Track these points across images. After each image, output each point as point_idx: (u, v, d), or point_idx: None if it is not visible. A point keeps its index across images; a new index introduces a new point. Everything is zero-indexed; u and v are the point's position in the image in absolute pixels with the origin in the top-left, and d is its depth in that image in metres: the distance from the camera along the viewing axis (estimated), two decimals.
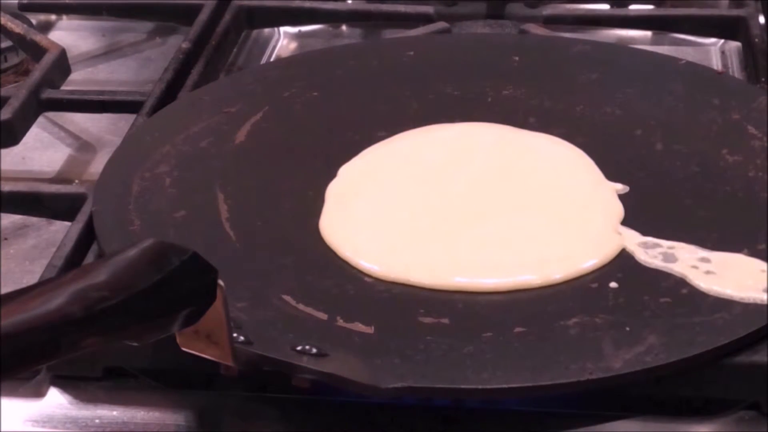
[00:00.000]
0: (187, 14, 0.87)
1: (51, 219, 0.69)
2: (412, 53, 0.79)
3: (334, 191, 0.65)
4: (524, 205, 0.63)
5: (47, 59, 0.80)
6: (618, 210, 0.62)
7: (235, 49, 0.89)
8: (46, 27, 0.96)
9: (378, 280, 0.58)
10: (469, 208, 0.63)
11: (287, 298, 0.56)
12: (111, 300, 0.41)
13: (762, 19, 0.83)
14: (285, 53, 0.92)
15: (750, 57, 0.80)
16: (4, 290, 0.41)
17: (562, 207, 0.62)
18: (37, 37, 0.84)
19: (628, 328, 0.53)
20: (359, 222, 0.62)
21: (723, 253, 0.57)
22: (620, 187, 0.64)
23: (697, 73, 0.73)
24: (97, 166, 0.74)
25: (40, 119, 0.78)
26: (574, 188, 0.64)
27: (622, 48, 0.84)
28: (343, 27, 0.95)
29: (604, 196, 0.63)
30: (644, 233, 0.60)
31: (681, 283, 0.56)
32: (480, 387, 0.50)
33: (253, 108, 0.73)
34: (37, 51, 0.83)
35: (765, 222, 0.59)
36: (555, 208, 0.62)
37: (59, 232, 0.65)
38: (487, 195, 0.64)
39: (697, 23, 0.85)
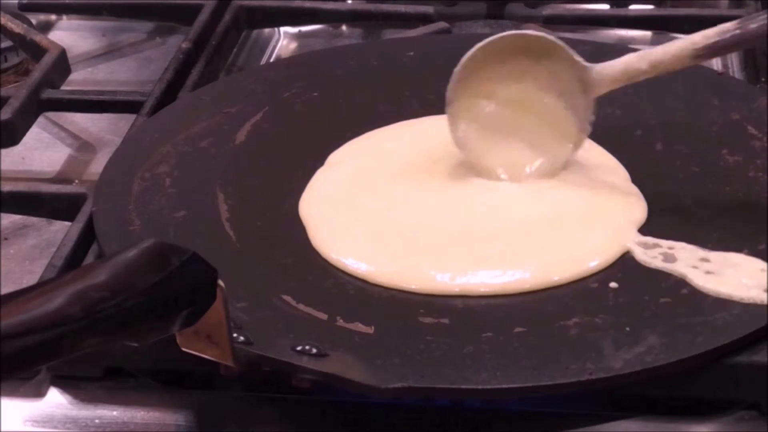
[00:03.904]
0: (187, 14, 0.87)
1: (51, 219, 0.69)
2: (412, 53, 0.79)
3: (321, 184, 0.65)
4: (528, 202, 0.63)
5: (47, 59, 0.80)
6: (635, 215, 0.61)
7: (235, 49, 0.89)
8: (46, 27, 0.96)
9: None
10: (467, 205, 0.63)
11: (287, 298, 0.56)
12: (111, 300, 0.41)
13: None
14: (285, 53, 0.92)
15: (750, 57, 0.80)
16: (4, 290, 0.41)
17: (570, 206, 0.62)
18: (37, 37, 0.84)
19: (628, 328, 0.53)
20: (352, 227, 0.62)
21: (723, 253, 0.57)
22: None
23: (697, 73, 0.73)
24: (97, 166, 0.74)
25: (40, 119, 0.78)
26: (585, 186, 0.64)
27: (622, 48, 0.84)
28: (343, 27, 0.95)
29: (619, 199, 0.62)
30: (644, 233, 0.60)
31: (681, 283, 0.56)
32: (480, 387, 0.50)
33: (253, 108, 0.73)
34: (37, 51, 0.83)
35: (765, 222, 0.59)
36: (562, 205, 0.62)
37: (59, 232, 0.65)
38: (487, 190, 0.64)
39: (697, 23, 0.85)
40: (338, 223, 0.62)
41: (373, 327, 0.54)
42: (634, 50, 0.81)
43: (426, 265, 0.58)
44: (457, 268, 0.58)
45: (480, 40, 0.83)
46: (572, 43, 0.79)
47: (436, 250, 0.59)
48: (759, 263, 0.56)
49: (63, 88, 0.80)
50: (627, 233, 0.59)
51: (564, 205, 0.62)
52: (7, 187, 0.67)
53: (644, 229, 0.60)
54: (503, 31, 0.85)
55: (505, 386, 0.50)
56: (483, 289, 0.57)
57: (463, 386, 0.50)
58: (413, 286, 0.57)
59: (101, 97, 0.78)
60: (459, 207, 0.63)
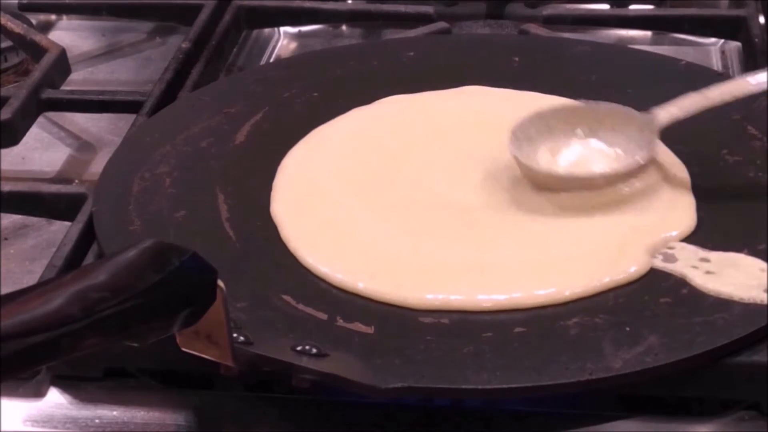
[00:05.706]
0: (187, 14, 0.87)
1: (51, 219, 0.69)
2: (412, 53, 0.79)
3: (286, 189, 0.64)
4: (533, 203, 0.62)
5: (47, 59, 0.80)
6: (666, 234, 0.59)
7: (235, 49, 0.89)
8: (46, 27, 0.97)
9: None
10: (464, 206, 0.62)
11: (287, 298, 0.56)
12: (111, 301, 0.41)
13: (762, 19, 0.83)
14: (285, 53, 0.92)
15: (750, 57, 0.80)
16: (4, 290, 0.41)
17: (586, 211, 0.61)
18: (37, 37, 0.84)
19: (628, 328, 0.53)
20: (337, 238, 0.60)
21: (723, 253, 0.57)
22: None
23: (697, 73, 0.73)
24: (97, 166, 0.74)
25: (40, 119, 0.78)
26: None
27: (622, 48, 0.84)
28: (343, 27, 0.95)
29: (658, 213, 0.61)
30: None
31: (681, 283, 0.56)
32: (480, 387, 0.50)
33: (253, 108, 0.73)
34: (37, 51, 0.83)
35: (765, 222, 0.59)
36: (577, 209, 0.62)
37: (59, 232, 0.65)
38: (485, 187, 0.63)
39: (697, 23, 0.85)
40: (324, 238, 0.60)
41: (373, 327, 0.54)
42: (634, 50, 0.82)
43: (423, 288, 0.56)
44: (456, 291, 0.56)
45: (480, 40, 0.83)
46: (572, 44, 0.80)
47: (434, 274, 0.57)
48: (759, 263, 0.56)
49: (63, 88, 0.80)
50: (649, 255, 0.57)
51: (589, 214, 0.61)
52: (7, 187, 0.67)
53: None
54: (503, 30, 0.86)
55: (505, 386, 0.50)
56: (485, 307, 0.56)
57: (463, 386, 0.50)
58: (408, 304, 0.56)
59: (101, 97, 0.78)
60: (454, 205, 0.62)
